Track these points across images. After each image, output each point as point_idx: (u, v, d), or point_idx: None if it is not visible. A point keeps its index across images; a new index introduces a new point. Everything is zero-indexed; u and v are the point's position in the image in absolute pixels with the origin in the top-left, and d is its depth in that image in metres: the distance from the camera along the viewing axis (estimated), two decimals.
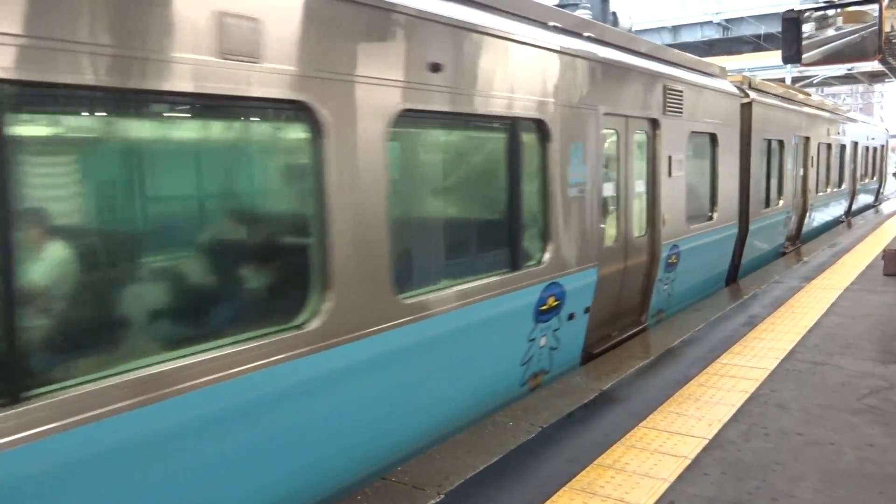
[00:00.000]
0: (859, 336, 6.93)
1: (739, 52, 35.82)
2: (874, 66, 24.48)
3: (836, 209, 18.52)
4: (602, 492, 3.85)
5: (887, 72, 18.89)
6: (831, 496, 3.76)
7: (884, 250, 10.69)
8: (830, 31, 11.72)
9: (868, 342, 6.73)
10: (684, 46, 33.56)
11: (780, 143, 12.25)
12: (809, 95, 17.02)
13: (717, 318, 7.74)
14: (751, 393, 5.34)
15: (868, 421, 4.79)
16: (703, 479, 3.97)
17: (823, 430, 4.66)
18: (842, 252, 12.73)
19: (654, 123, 7.67)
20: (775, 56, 22.46)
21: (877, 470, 4.06)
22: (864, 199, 22.87)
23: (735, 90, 10.20)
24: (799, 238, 14.53)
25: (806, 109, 14.46)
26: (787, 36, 11.31)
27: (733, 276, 10.64)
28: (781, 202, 12.50)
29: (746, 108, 10.54)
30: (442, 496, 3.81)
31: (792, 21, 11.15)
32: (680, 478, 3.99)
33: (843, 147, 18.36)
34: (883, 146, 27.23)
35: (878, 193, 26.55)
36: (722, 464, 4.16)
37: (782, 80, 25.84)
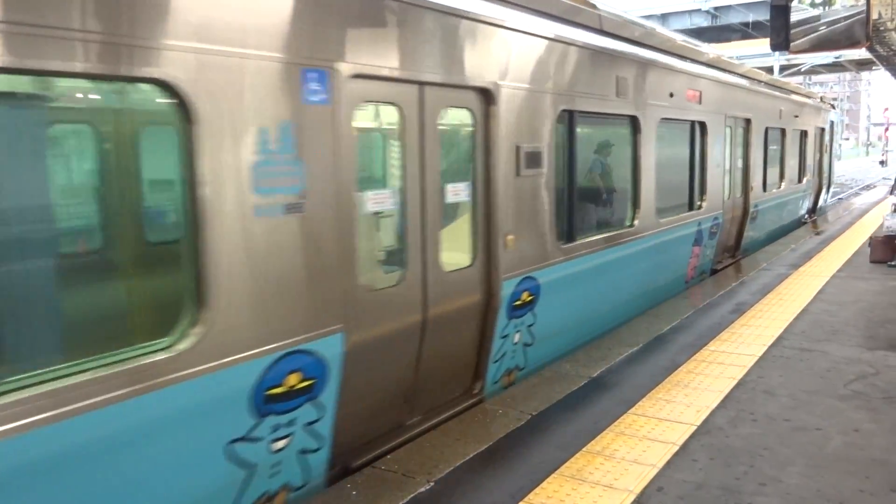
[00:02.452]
0: (846, 322, 6.99)
1: (728, 41, 35.93)
2: (862, 53, 24.63)
3: (681, 253, 8.86)
4: (591, 478, 3.86)
5: (875, 59, 18.87)
6: (818, 481, 3.80)
7: (870, 237, 10.77)
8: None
9: (854, 328, 6.78)
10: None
11: (399, 106, 4.37)
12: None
13: (705, 305, 7.78)
14: (738, 379, 5.38)
15: (854, 406, 4.84)
16: (692, 465, 4.00)
17: (810, 415, 4.70)
18: (829, 239, 12.82)
19: None
20: (763, 44, 22.47)
21: (863, 455, 4.11)
22: (777, 217, 13.90)
23: None
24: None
25: (561, 31, 5.92)
26: (775, 23, 11.30)
27: None
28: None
29: None
30: (432, 484, 3.82)
31: (780, 8, 11.16)
32: (668, 464, 4.01)
33: (696, 129, 9.21)
34: (824, 130, 17.74)
35: (815, 202, 17.63)
36: (710, 450, 4.19)
37: (770, 69, 25.49)
